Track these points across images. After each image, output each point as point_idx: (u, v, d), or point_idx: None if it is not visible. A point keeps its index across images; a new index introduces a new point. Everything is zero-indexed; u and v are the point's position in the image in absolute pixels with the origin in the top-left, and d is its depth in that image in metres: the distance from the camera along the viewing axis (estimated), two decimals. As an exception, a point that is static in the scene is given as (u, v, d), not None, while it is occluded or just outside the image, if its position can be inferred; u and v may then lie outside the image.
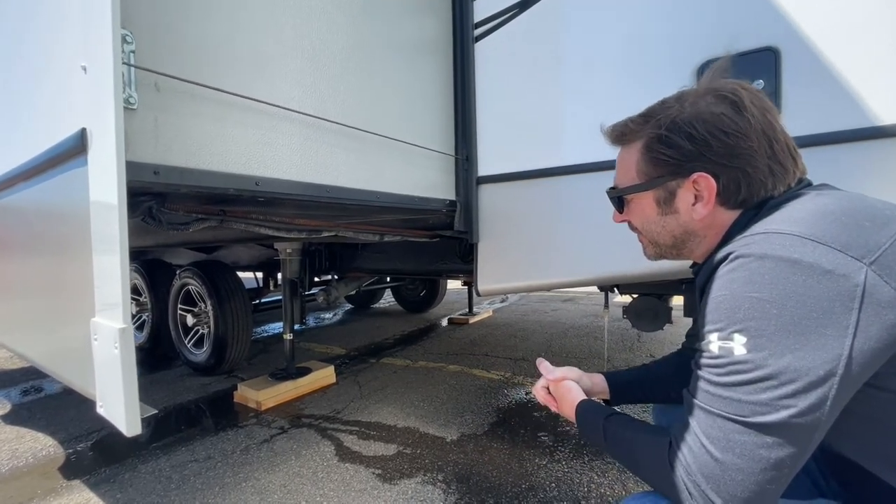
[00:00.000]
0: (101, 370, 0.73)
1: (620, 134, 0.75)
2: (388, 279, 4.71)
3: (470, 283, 3.71)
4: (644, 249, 0.82)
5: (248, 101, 0.95)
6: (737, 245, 0.57)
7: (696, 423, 0.55)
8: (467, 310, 4.55)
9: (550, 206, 1.49)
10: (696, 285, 0.65)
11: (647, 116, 0.71)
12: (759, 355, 0.50)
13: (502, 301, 5.63)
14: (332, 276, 3.08)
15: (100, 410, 0.76)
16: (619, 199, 0.78)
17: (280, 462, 1.71)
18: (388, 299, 5.81)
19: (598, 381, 0.96)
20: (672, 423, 0.95)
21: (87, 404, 0.81)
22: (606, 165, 1.38)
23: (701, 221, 0.68)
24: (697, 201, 0.67)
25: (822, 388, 0.48)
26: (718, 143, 0.63)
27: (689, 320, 1.55)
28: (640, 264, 1.35)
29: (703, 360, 0.56)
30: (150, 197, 0.91)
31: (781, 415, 0.49)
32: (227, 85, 0.92)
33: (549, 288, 1.57)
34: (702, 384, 0.56)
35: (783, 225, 0.55)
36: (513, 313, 4.79)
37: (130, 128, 0.74)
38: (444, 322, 4.37)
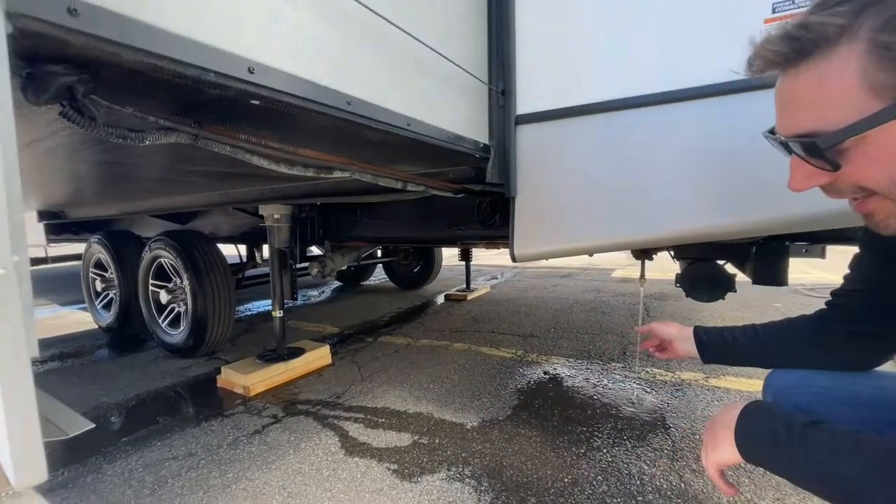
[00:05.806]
0: None
1: (806, 42, 0.46)
2: (380, 254, 4.43)
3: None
4: (882, 222, 0.52)
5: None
6: None
7: None
8: (464, 286, 4.33)
9: (611, 148, 1.20)
10: None
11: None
12: None
13: (494, 278, 5.43)
14: (327, 246, 2.78)
15: None
16: (829, 150, 0.48)
17: (276, 458, 1.46)
18: (378, 276, 5.53)
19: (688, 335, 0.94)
20: (829, 412, 0.72)
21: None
22: (687, 94, 1.10)
23: None
24: None
25: None
26: None
27: (757, 288, 1.33)
28: (733, 217, 1.10)
29: None
30: (71, 68, 0.53)
31: None
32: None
33: (604, 250, 1.31)
34: None
35: None
36: (511, 289, 4.60)
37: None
38: (441, 299, 4.14)
